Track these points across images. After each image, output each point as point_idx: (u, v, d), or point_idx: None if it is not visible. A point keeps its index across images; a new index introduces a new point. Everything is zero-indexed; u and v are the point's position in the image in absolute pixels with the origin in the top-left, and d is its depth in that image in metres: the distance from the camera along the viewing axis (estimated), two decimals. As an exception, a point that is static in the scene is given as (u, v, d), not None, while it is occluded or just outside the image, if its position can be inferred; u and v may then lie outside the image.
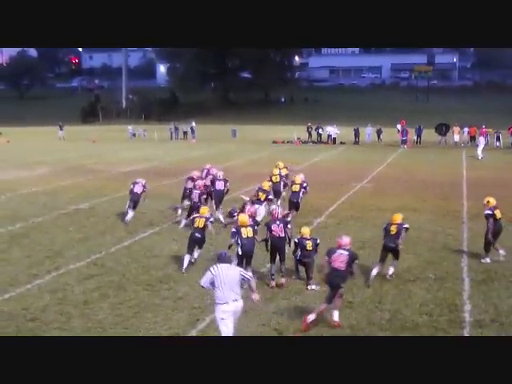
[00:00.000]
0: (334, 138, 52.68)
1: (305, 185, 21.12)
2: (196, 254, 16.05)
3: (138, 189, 21.06)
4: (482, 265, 15.81)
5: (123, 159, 40.86)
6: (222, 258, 10.67)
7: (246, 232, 14.22)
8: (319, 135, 53.83)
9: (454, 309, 12.77)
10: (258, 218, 17.27)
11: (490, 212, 16.03)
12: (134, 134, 61.68)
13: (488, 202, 16.40)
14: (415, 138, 51.42)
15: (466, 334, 11.45)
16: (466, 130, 52.01)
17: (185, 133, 59.68)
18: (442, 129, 52.44)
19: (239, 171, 33.11)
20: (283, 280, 14.41)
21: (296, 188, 20.88)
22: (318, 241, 14.64)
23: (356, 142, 52.16)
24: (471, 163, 37.54)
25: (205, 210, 16.57)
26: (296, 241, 14.54)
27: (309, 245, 14.36)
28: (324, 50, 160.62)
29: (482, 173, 32.62)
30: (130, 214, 20.87)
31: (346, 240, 12.30)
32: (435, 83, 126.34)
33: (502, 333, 11.46)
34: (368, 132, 53.53)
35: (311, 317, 11.74)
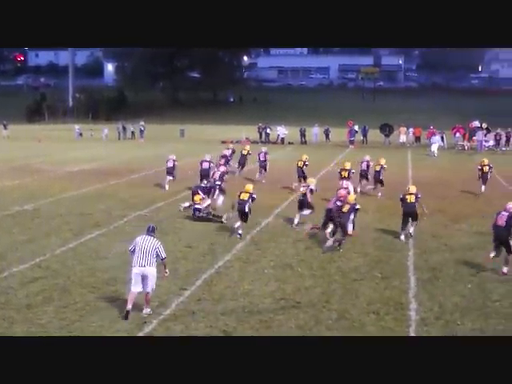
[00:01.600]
0: (283, 138, 52.83)
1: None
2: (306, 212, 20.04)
3: (170, 163, 27.27)
4: (427, 263, 16.07)
5: (70, 159, 40.17)
6: (147, 230, 12.55)
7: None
8: (267, 135, 53.87)
9: (400, 307, 12.91)
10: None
11: (401, 196, 19.12)
12: (81, 134, 60.71)
13: (408, 188, 19.44)
14: (362, 138, 52.06)
15: (412, 333, 11.58)
16: (411, 130, 52.91)
17: (132, 132, 59.01)
18: (386, 129, 53.30)
19: (187, 171, 32.94)
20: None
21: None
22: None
23: (303, 142, 52.45)
24: (416, 163, 38.10)
25: (250, 187, 19.20)
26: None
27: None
28: (272, 51, 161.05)
29: (426, 172, 33.14)
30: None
31: None
32: (381, 84, 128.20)
33: (447, 330, 11.63)
34: (315, 132, 53.89)
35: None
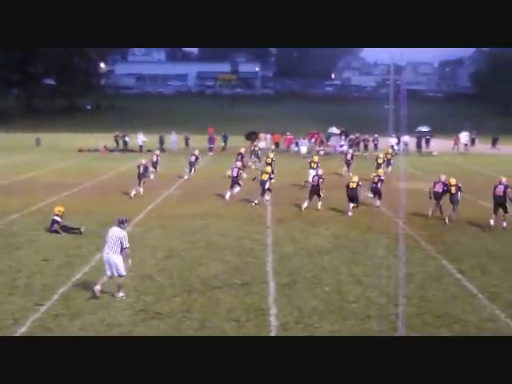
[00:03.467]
0: (141, 146, 52.09)
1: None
2: (267, 197, 25.82)
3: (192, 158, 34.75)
4: (286, 268, 16.26)
5: None
6: (117, 222, 14.10)
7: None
8: (125, 143, 52.96)
9: (260, 313, 12.95)
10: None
11: (346, 184, 23.78)
12: None
13: (351, 177, 24.66)
14: (222, 144, 52.47)
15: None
16: (268, 136, 54.00)
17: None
18: (252, 136, 54.25)
19: (43, 181, 31.81)
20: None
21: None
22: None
23: (162, 150, 51.99)
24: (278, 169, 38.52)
25: (268, 169, 27.07)
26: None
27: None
28: (130, 57, 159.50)
29: (284, 178, 33.72)
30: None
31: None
32: (239, 91, 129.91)
33: (306, 333, 11.79)
34: (173, 139, 53.61)
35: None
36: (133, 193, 27.21)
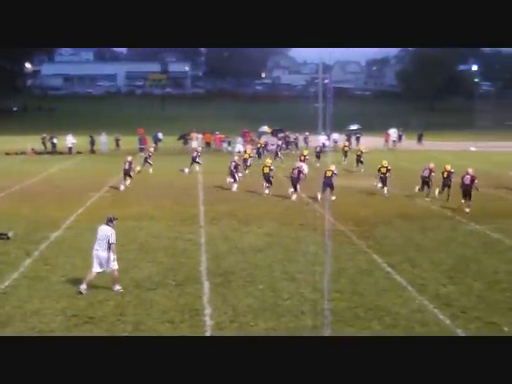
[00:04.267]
0: (70, 148, 51.19)
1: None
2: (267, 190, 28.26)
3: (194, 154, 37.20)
4: (219, 267, 16.29)
5: None
6: (106, 220, 14.78)
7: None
8: (54, 145, 51.90)
9: (195, 313, 12.94)
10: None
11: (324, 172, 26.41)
12: None
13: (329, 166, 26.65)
14: (153, 145, 51.95)
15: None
16: (200, 136, 53.91)
17: None
18: (186, 137, 54.09)
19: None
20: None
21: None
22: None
23: (92, 151, 51.33)
24: (204, 169, 38.42)
25: (269, 161, 29.63)
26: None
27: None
28: (57, 57, 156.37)
29: (215, 178, 33.74)
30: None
31: None
32: (170, 91, 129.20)
33: (241, 332, 11.84)
34: (103, 141, 52.89)
35: None
36: (121, 187, 29.84)
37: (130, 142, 52.78)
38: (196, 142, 52.38)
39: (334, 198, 26.33)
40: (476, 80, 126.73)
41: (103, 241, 14.36)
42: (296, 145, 52.45)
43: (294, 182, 27.33)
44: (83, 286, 14.20)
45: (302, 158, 34.56)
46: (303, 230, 20.82)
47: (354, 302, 13.69)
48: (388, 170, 28.40)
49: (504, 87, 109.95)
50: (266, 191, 28.31)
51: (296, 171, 27.57)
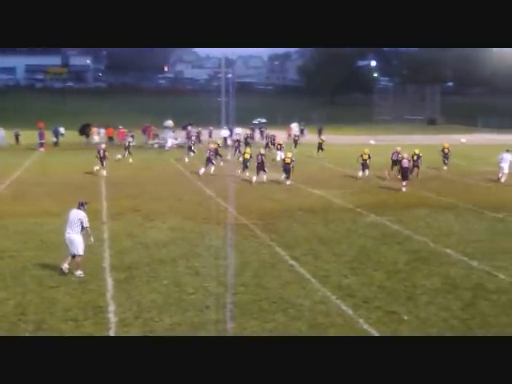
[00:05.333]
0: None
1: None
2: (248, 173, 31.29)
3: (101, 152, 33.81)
4: (123, 263, 16.15)
5: None
6: (78, 205, 15.43)
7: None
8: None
9: (98, 311, 12.81)
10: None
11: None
12: None
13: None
14: (54, 139, 50.67)
15: (112, 334, 11.57)
16: (102, 130, 53.03)
17: None
18: (86, 130, 52.85)
19: None
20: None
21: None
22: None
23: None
24: (109, 164, 37.87)
25: (248, 150, 33.13)
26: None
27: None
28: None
29: (120, 172, 33.39)
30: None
31: None
32: (71, 85, 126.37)
33: (146, 328, 11.81)
34: (1, 135, 51.15)
35: None
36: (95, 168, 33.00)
37: (30, 136, 51.20)
38: (98, 136, 51.51)
39: (288, 182, 29.60)
40: (375, 75, 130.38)
41: (75, 224, 14.97)
42: (199, 139, 52.24)
43: (261, 167, 30.49)
44: (65, 266, 14.98)
45: (279, 146, 40.37)
46: (207, 224, 20.87)
47: (259, 294, 13.88)
48: (369, 157, 32.29)
49: (401, 82, 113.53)
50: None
51: (260, 157, 30.81)
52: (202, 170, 32.92)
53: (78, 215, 15.08)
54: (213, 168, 33.45)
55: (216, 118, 46.93)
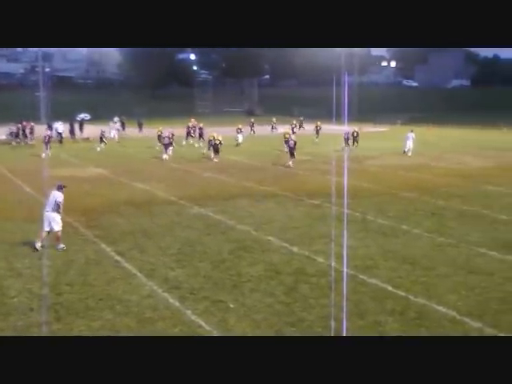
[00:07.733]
0: None
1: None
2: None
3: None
4: None
5: None
6: (56, 187, 17.21)
7: (217, 141, 37.30)
8: None
9: None
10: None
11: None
12: None
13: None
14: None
15: None
16: None
17: None
18: None
19: None
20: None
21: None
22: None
23: None
24: None
25: (214, 134, 38.04)
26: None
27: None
28: None
29: None
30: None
31: None
32: None
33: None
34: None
35: None
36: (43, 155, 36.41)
37: None
38: None
39: (290, 163, 35.01)
40: (194, 68, 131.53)
41: (53, 202, 16.76)
42: (24, 134, 50.07)
43: (216, 149, 37.16)
44: (38, 244, 16.67)
45: (239, 130, 48.11)
46: (28, 223, 20.11)
47: (85, 293, 13.69)
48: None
49: (220, 75, 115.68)
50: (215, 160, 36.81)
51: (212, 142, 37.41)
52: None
53: (56, 196, 16.88)
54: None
55: (34, 114, 45.43)
